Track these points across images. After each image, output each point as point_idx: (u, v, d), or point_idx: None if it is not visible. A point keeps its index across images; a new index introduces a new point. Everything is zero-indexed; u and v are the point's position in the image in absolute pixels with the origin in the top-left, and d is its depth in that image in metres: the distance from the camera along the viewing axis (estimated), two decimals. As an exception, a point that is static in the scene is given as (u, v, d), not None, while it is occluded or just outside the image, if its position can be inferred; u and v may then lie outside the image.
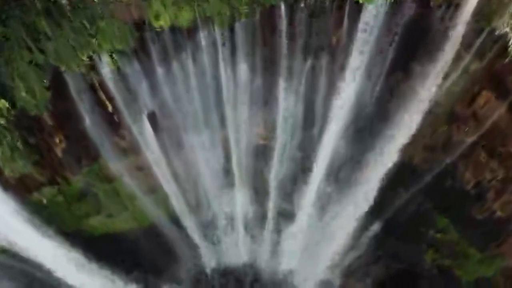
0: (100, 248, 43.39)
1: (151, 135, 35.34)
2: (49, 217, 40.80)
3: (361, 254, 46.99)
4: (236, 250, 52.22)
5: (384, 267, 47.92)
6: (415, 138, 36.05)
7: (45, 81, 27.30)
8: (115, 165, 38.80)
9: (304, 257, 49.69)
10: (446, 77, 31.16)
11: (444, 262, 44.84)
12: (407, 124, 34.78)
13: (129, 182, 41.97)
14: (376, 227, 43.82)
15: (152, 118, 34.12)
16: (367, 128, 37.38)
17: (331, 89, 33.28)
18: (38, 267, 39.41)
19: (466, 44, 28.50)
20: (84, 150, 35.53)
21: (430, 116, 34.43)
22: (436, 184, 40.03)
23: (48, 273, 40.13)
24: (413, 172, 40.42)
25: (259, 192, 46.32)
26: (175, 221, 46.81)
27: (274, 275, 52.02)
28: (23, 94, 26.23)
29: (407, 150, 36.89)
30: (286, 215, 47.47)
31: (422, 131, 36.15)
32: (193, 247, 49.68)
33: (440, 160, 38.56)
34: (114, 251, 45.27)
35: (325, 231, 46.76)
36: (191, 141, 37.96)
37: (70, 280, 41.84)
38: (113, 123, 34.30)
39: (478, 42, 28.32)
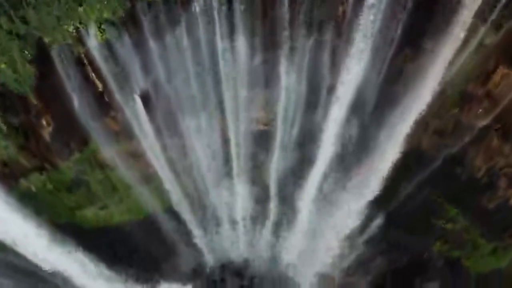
0: (95, 241, 42.01)
1: (145, 117, 33.25)
2: (40, 208, 38.86)
3: (364, 247, 45.07)
4: (235, 244, 50.34)
5: (388, 260, 45.78)
6: (424, 122, 34.05)
7: (27, 53, 25.04)
8: (107, 151, 36.68)
9: (304, 251, 47.79)
10: (458, 52, 28.94)
11: (452, 254, 42.97)
12: (416, 106, 32.45)
13: (123, 171, 39.97)
14: (380, 218, 41.84)
15: (145, 98, 31.98)
16: (373, 111, 35.17)
17: (336, 67, 31.10)
18: (30, 260, 37.64)
19: (481, 14, 26.27)
20: (73, 134, 33.53)
21: (441, 98, 32.33)
22: (444, 171, 38.13)
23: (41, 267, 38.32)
24: (421, 159, 38.40)
25: (259, 182, 44.13)
26: (172, 213, 44.84)
27: (274, 270, 50.20)
28: (3, 66, 24.03)
29: (415, 135, 34.59)
30: (287, 208, 45.35)
31: (432, 114, 34.00)
32: (192, 240, 47.81)
33: (450, 145, 36.72)
34: (109, 245, 43.96)
35: (327, 223, 44.60)
36: (187, 126, 35.82)
37: (64, 275, 40.29)
38: (103, 104, 32.25)
39: (495, 11, 26.04)
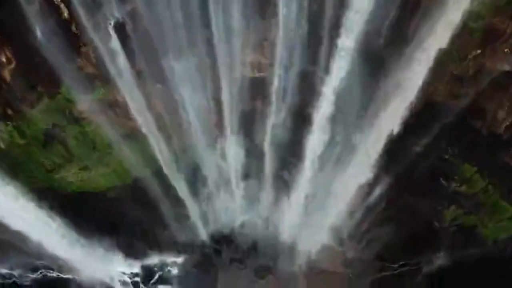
0: (78, 209, 38.45)
1: (122, 56, 28.78)
2: (14, 169, 34.98)
3: (369, 214, 41.82)
4: (230, 212, 46.97)
5: (396, 227, 41.90)
6: (441, 66, 29.78)
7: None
8: (82, 99, 32.32)
9: (306, 219, 44.04)
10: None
11: (467, 220, 39.29)
12: (433, 45, 27.78)
13: (102, 125, 35.69)
14: (387, 181, 38.09)
15: (121, 31, 27.46)
16: (383, 51, 30.54)
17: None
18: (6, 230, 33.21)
19: None
20: (40, 74, 29.05)
21: (462, 34, 27.60)
22: (461, 125, 34.42)
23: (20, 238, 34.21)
24: (435, 111, 34.28)
25: (255, 140, 40.16)
26: (161, 177, 40.81)
27: (273, 240, 46.78)
28: None
29: (430, 81, 30.10)
30: (287, 169, 41.62)
31: (450, 56, 30.22)
32: (183, 208, 43.97)
33: (469, 94, 32.72)
34: (94, 213, 40.21)
35: (330, 187, 40.67)
36: (173, 69, 31.40)
37: (45, 247, 36.33)
38: (72, 36, 27.71)
39: None
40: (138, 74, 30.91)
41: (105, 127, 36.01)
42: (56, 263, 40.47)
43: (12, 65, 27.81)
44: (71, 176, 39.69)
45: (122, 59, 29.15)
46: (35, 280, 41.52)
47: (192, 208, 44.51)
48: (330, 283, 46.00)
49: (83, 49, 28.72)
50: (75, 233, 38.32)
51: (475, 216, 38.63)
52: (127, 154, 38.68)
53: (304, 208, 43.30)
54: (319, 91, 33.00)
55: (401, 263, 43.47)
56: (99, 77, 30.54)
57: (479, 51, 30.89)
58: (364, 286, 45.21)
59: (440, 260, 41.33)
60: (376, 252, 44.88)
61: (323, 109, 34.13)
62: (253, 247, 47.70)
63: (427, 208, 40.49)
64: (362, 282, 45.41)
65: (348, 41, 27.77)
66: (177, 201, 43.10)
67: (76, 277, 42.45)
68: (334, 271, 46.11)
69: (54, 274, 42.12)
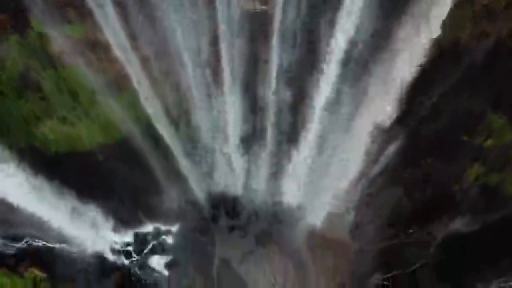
0: (63, 172, 35.57)
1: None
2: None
3: (380, 178, 38.24)
4: (229, 176, 43.53)
5: (409, 192, 38.85)
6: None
7: None
8: (56, 37, 28.24)
9: (310, 184, 41.06)
10: None
11: (489, 179, 35.70)
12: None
13: (84, 71, 31.61)
14: (401, 138, 34.58)
15: None
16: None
17: None
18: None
19: None
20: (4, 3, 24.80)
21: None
22: (488, 69, 30.70)
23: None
24: (458, 54, 30.53)
25: (256, 91, 36.13)
26: (152, 134, 37.27)
27: (275, 207, 43.87)
28: None
29: (453, 20, 27.19)
30: (291, 125, 37.73)
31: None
32: (177, 171, 40.83)
33: (498, 33, 29.14)
34: (81, 175, 37.09)
35: (336, 149, 37.54)
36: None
37: (29, 213, 33.92)
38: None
39: None
40: (120, 5, 26.58)
41: (86, 73, 31.97)
42: (42, 231, 36.89)
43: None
44: (52, 132, 35.76)
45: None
46: (19, 249, 38.07)
47: (188, 171, 41.22)
48: (335, 252, 42.66)
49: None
50: (61, 198, 35.77)
51: (499, 174, 34.87)
52: (113, 106, 34.83)
53: (308, 172, 40.12)
54: (329, 28, 29.43)
55: (413, 230, 39.82)
56: (73, 6, 26.24)
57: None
58: (371, 255, 41.73)
59: (457, 224, 37.57)
60: (387, 219, 40.86)
61: (334, 52, 30.62)
62: (254, 213, 43.94)
63: (446, 168, 36.77)
64: (369, 251, 41.98)
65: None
66: (171, 163, 39.88)
67: (64, 246, 39.02)
68: (339, 240, 42.56)
69: (40, 243, 38.61)
